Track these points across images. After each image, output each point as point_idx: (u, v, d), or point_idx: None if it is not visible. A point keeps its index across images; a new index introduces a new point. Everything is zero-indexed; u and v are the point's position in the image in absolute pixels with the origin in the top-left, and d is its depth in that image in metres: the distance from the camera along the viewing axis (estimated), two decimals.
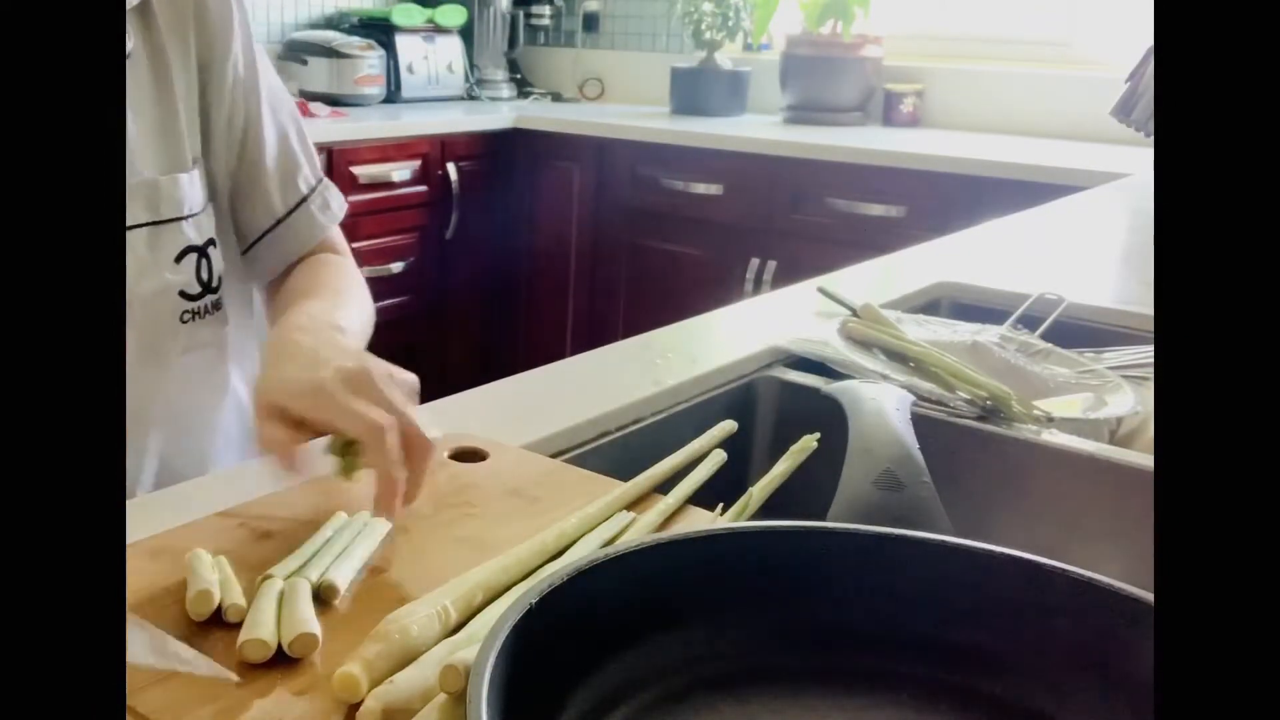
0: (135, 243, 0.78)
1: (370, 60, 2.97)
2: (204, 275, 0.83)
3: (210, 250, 0.84)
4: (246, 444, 0.92)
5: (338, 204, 0.97)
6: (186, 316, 0.82)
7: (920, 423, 0.74)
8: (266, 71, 0.90)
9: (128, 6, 0.77)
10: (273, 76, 0.91)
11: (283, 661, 0.48)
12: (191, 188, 0.82)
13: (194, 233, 0.82)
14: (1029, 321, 1.08)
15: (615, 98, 3.48)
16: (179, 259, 0.81)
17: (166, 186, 0.80)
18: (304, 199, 0.93)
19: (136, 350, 0.79)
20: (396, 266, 2.76)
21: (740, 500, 0.64)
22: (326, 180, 0.97)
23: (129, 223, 0.78)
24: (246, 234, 0.91)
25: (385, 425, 0.59)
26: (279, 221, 0.92)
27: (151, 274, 0.79)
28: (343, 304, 0.82)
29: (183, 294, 0.82)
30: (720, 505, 0.65)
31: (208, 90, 0.84)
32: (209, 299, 0.84)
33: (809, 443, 0.70)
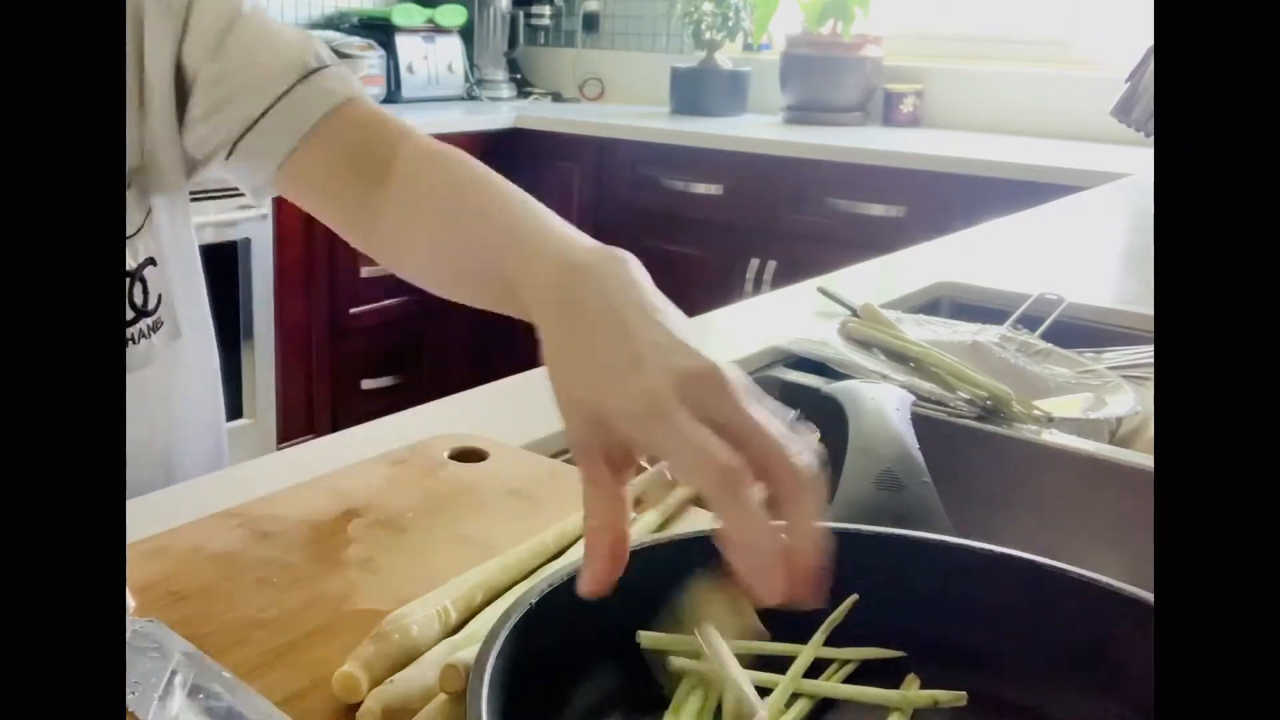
0: None
1: (370, 60, 2.97)
2: (138, 299, 0.79)
3: (147, 271, 0.79)
4: (216, 468, 0.87)
5: (330, 92, 0.77)
6: None
7: (920, 423, 0.74)
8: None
9: None
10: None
11: (283, 662, 0.48)
12: (127, 209, 0.78)
13: (128, 257, 0.78)
14: (1029, 321, 1.08)
15: (615, 98, 3.47)
16: None
17: None
18: (314, 70, 0.77)
19: None
20: None
21: None
22: (325, 68, 0.79)
23: None
24: (235, 125, 0.78)
25: (737, 468, 0.40)
26: (286, 91, 0.76)
27: None
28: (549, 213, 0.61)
29: None
30: None
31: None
32: (144, 322, 0.79)
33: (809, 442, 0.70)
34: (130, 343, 0.79)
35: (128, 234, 0.78)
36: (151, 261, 0.80)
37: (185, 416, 0.86)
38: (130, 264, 0.79)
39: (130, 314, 0.79)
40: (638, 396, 0.42)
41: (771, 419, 0.42)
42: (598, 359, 0.46)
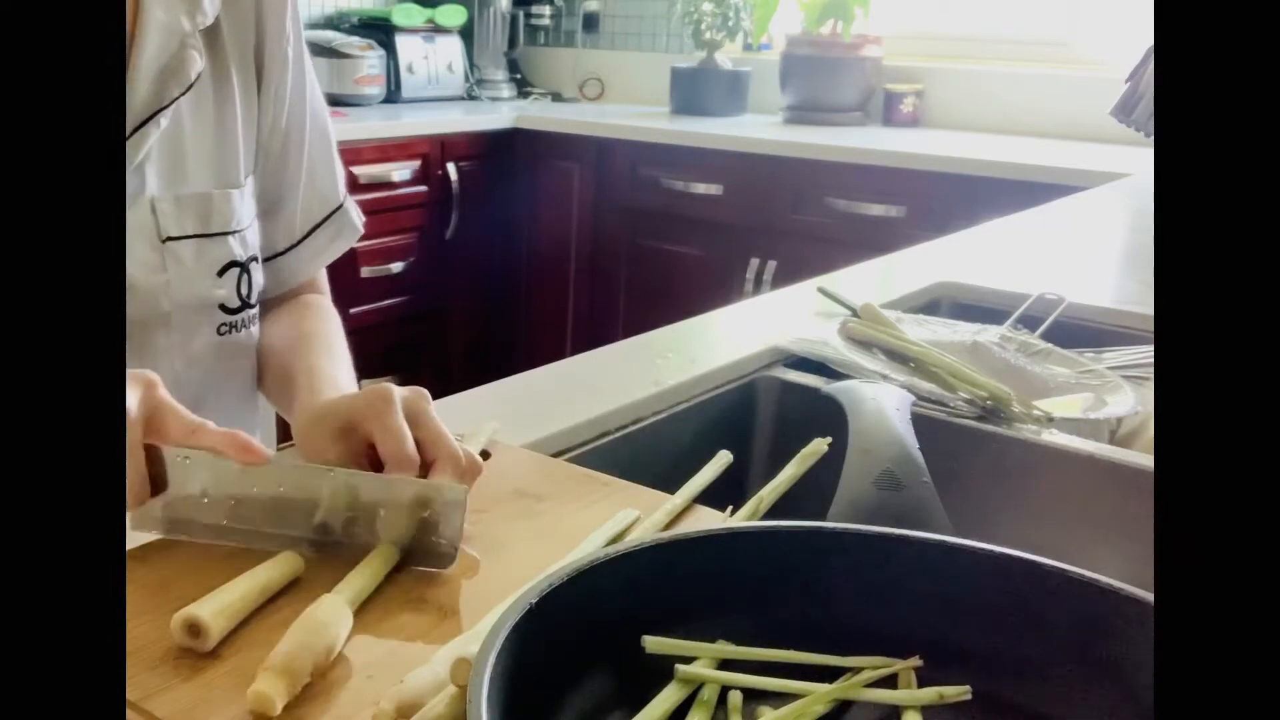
0: (182, 253, 0.79)
1: (370, 60, 2.97)
2: (243, 290, 0.84)
3: (252, 265, 0.85)
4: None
5: (353, 228, 0.95)
6: (224, 329, 0.83)
7: (920, 423, 0.74)
8: (312, 76, 0.90)
9: (199, 28, 0.77)
10: (315, 83, 0.90)
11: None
12: (242, 203, 0.83)
13: (239, 248, 0.83)
14: (1029, 321, 1.08)
15: (615, 98, 3.48)
16: (222, 273, 0.82)
17: (218, 201, 0.81)
18: (318, 224, 0.93)
19: (174, 357, 0.80)
20: (396, 266, 2.76)
21: (750, 502, 0.64)
22: (348, 201, 0.96)
23: (179, 233, 0.79)
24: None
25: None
26: (291, 247, 0.92)
27: (194, 284, 0.80)
28: (343, 365, 0.85)
29: (223, 307, 0.83)
30: (730, 508, 0.65)
31: (261, 95, 0.84)
32: (246, 313, 0.85)
33: (819, 446, 0.70)
34: (233, 330, 0.84)
35: (242, 226, 0.83)
36: (255, 258, 0.85)
37: (258, 406, 0.92)
38: (241, 255, 0.83)
39: (236, 303, 0.84)
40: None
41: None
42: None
